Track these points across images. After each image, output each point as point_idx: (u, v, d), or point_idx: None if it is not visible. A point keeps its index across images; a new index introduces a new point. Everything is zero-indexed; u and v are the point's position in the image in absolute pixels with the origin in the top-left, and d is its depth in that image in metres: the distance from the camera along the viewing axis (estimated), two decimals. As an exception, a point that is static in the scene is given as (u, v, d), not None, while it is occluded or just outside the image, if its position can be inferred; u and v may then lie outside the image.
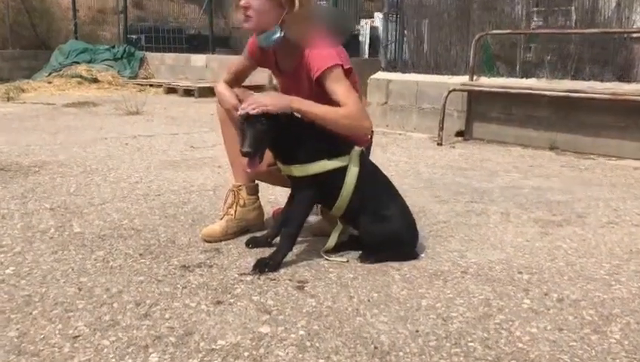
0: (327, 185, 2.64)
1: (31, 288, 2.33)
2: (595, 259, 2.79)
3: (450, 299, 2.31)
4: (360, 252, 2.74)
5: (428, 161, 5.20)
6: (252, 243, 2.86)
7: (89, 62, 13.27)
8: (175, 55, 13.86)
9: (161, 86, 11.81)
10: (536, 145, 5.96)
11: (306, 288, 2.39)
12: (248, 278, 2.48)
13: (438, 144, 6.06)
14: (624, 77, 5.73)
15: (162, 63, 13.91)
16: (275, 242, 2.82)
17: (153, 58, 14.12)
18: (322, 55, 2.61)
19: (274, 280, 2.47)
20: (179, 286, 2.39)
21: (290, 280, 2.47)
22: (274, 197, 3.73)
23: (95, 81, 12.43)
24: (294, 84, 2.77)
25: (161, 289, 2.36)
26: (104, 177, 4.25)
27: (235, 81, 2.96)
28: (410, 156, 5.39)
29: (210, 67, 12.60)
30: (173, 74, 13.30)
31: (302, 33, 2.67)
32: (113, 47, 14.02)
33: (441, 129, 6.11)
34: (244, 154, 2.46)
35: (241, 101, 2.69)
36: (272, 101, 2.52)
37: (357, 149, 2.69)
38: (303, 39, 2.67)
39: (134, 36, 15.27)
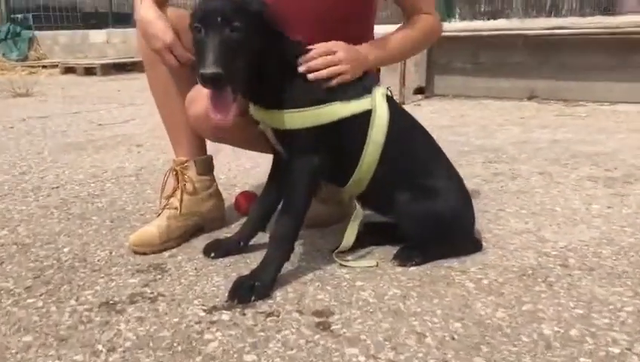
0: (338, 146, 1.59)
1: None
2: None
3: (585, 319, 1.34)
4: (390, 247, 1.73)
5: None
6: (215, 251, 1.77)
7: (-34, 44, 11.39)
8: (70, 32, 12.15)
9: (56, 66, 10.17)
10: (511, 97, 5.12)
11: (333, 326, 1.35)
12: (224, 316, 1.41)
13: (400, 103, 5.10)
14: (608, 10, 4.98)
15: (55, 43, 12.16)
16: (255, 244, 1.76)
17: (44, 37, 12.33)
18: None
19: (271, 315, 1.40)
20: (100, 349, 1.28)
21: (299, 312, 1.41)
22: (233, 173, 2.63)
23: (-25, 65, 10.63)
24: None
25: (69, 358, 1.25)
26: (-25, 170, 2.98)
27: (162, 1, 1.82)
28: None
29: (112, 43, 11.06)
30: (70, 53, 11.63)
31: None
32: (-5, 27, 12.15)
33: (403, 85, 5.15)
34: (208, 79, 1.33)
35: (179, 35, 1.61)
36: (349, 61, 1.61)
37: (380, 88, 1.67)
38: None
39: (20, 15, 13.42)
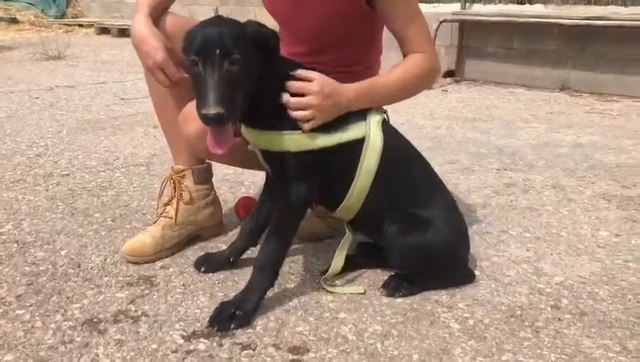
0: (329, 172, 1.56)
1: None
2: None
3: (565, 378, 1.31)
4: (380, 271, 1.71)
5: (424, 110, 4.14)
6: (205, 265, 1.77)
7: (6, -1, 11.50)
8: (108, -10, 12.19)
9: (92, 26, 10.22)
10: (542, 86, 4.96)
11: (306, 366, 1.34)
12: (201, 345, 1.41)
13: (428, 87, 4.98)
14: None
15: (93, 0, 12.22)
16: (246, 259, 1.77)
17: (83, -6, 12.40)
18: None
19: (248, 348, 1.40)
20: (74, 376, 1.31)
21: (275, 346, 1.41)
22: (235, 174, 2.63)
23: (14, 21, 10.73)
24: (301, 4, 1.70)
25: (40, 385, 1.28)
26: (-7, 149, 3.04)
27: (162, 10, 1.77)
28: (398, 104, 4.31)
29: (149, 3, 11.03)
30: (108, 12, 11.66)
31: None
32: (34, -19, 12.22)
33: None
34: (211, 120, 1.30)
35: (171, 52, 1.58)
36: (323, 108, 1.51)
37: (376, 115, 1.62)
38: None
39: (59, -30, 13.42)
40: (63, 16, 11.76)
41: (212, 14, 1.81)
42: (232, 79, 1.33)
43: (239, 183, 2.55)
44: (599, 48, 4.71)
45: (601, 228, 2.11)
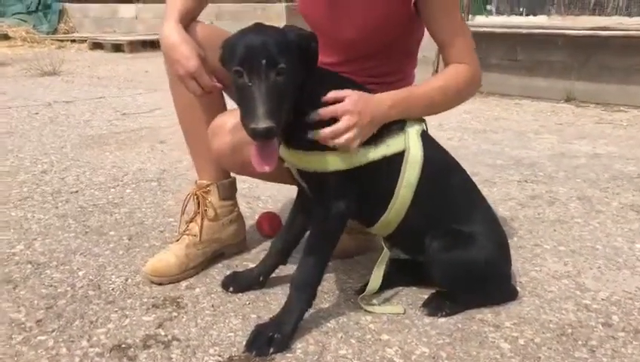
0: (369, 185, 1.49)
1: None
2: None
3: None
4: (417, 289, 1.64)
5: (431, 120, 3.96)
6: (233, 285, 1.69)
7: (-3, 15, 11.41)
8: (99, 6, 12.09)
9: (84, 41, 10.13)
10: (547, 97, 4.93)
11: (356, 393, 1.26)
12: (241, 371, 1.32)
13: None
14: (656, 10, 4.74)
15: (85, 16, 12.13)
16: (274, 278, 1.68)
17: (74, 10, 12.29)
18: None
19: (291, 374, 1.32)
20: (108, 408, 1.21)
21: (320, 371, 1.32)
22: (255, 182, 2.54)
23: (6, 37, 10.63)
24: (341, 9, 1.61)
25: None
26: (-4, 166, 2.94)
27: (191, 17, 1.70)
28: (405, 116, 4.26)
29: (142, 18, 10.98)
30: (99, 27, 11.59)
31: None
32: (26, -3, 12.13)
33: (436, 80, 4.97)
34: (261, 134, 1.22)
35: (206, 57, 1.51)
36: (360, 126, 1.41)
37: (415, 125, 1.55)
38: None
39: (50, -14, 13.34)
40: (54, 31, 11.68)
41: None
42: (279, 90, 1.26)
43: (256, 198, 2.47)
44: (604, 59, 4.69)
45: (636, 241, 2.05)
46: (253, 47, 1.26)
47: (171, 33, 1.57)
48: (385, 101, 1.49)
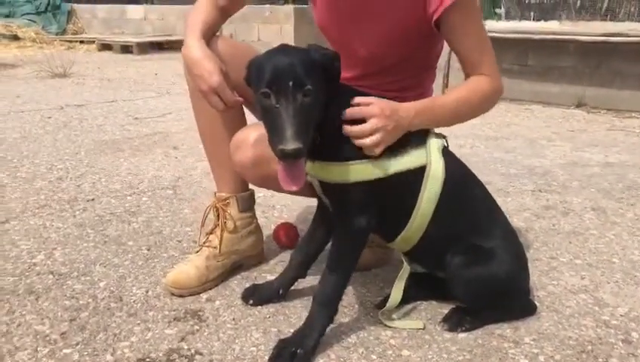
0: (390, 199, 1.50)
1: None
2: None
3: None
4: (436, 304, 1.65)
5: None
6: (254, 298, 1.70)
7: (7, 16, 11.44)
8: (108, 7, 12.13)
9: (93, 42, 10.17)
10: (558, 103, 4.94)
11: (380, 411, 1.27)
12: (265, 387, 1.34)
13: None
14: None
15: (94, 17, 12.17)
16: (294, 291, 1.70)
17: (83, 11, 12.34)
18: None
19: (314, 390, 1.33)
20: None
21: (343, 388, 1.34)
22: (270, 192, 2.55)
23: (15, 38, 10.68)
24: (360, 23, 1.62)
25: None
26: (13, 173, 2.95)
27: (213, 32, 1.72)
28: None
29: (150, 19, 11.01)
30: (108, 28, 11.64)
31: None
32: (35, -2, 12.18)
33: (446, 86, 5.00)
34: (290, 155, 1.24)
35: (227, 72, 1.52)
36: (387, 124, 1.43)
37: (436, 139, 1.56)
38: None
39: (59, -13, 13.39)
40: (63, 32, 11.73)
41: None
42: (306, 111, 1.28)
43: (271, 207, 2.48)
44: (616, 65, 4.69)
45: (653, 254, 2.05)
46: (280, 69, 1.28)
47: (194, 48, 1.58)
48: (409, 109, 1.50)
